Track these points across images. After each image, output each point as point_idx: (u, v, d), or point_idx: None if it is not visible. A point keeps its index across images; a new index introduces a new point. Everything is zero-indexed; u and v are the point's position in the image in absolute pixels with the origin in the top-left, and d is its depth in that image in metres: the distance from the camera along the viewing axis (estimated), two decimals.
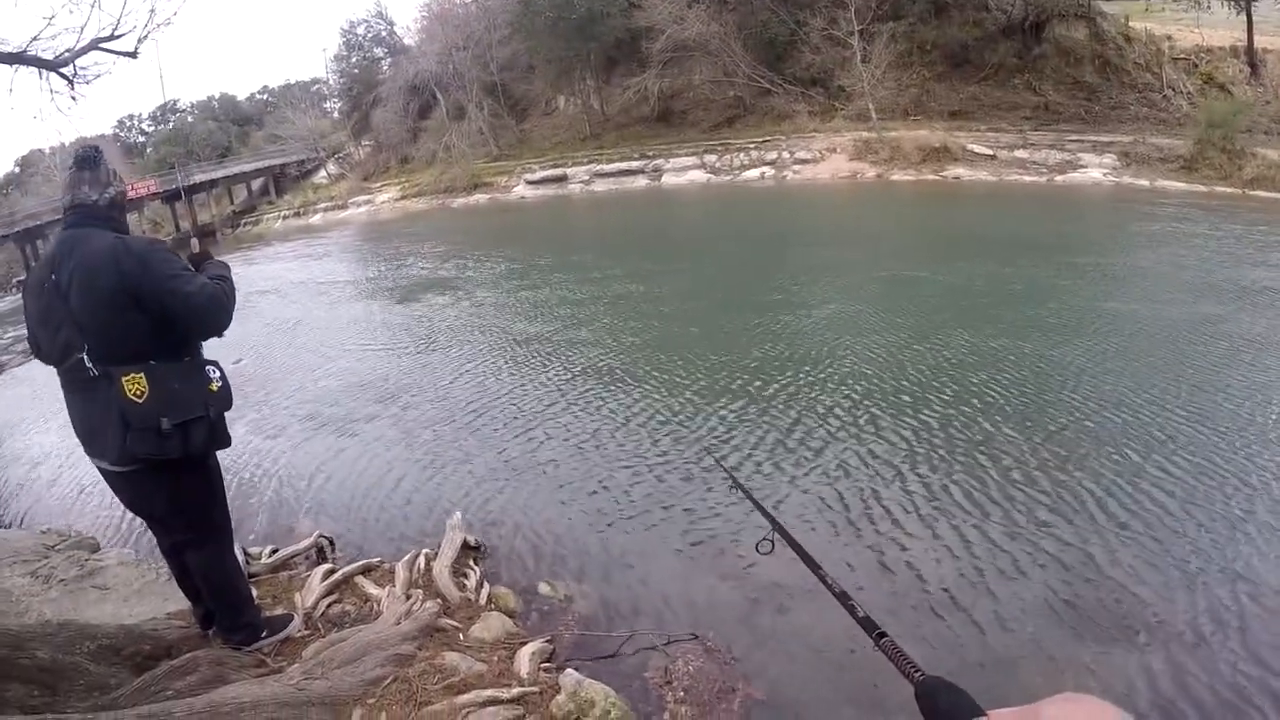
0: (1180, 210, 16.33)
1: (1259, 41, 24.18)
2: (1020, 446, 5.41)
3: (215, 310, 2.69)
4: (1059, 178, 21.58)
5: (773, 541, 1.21)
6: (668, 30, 29.26)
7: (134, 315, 2.60)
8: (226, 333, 2.91)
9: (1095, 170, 21.50)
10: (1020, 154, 23.04)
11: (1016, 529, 4.43)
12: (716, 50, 29.26)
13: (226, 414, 2.98)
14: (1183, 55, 25.36)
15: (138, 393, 2.61)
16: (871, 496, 4.89)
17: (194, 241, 2.97)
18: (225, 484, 3.13)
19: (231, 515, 3.21)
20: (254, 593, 3.59)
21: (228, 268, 3.02)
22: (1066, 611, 3.72)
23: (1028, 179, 21.80)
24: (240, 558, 3.73)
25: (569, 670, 3.09)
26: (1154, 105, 23.95)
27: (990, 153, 23.34)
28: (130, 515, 5.25)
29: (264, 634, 3.22)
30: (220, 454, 3.08)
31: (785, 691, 3.28)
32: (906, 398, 6.40)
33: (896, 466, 5.25)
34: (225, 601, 3.14)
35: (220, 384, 2.83)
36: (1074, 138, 23.06)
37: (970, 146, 23.68)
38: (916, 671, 0.68)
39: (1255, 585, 3.79)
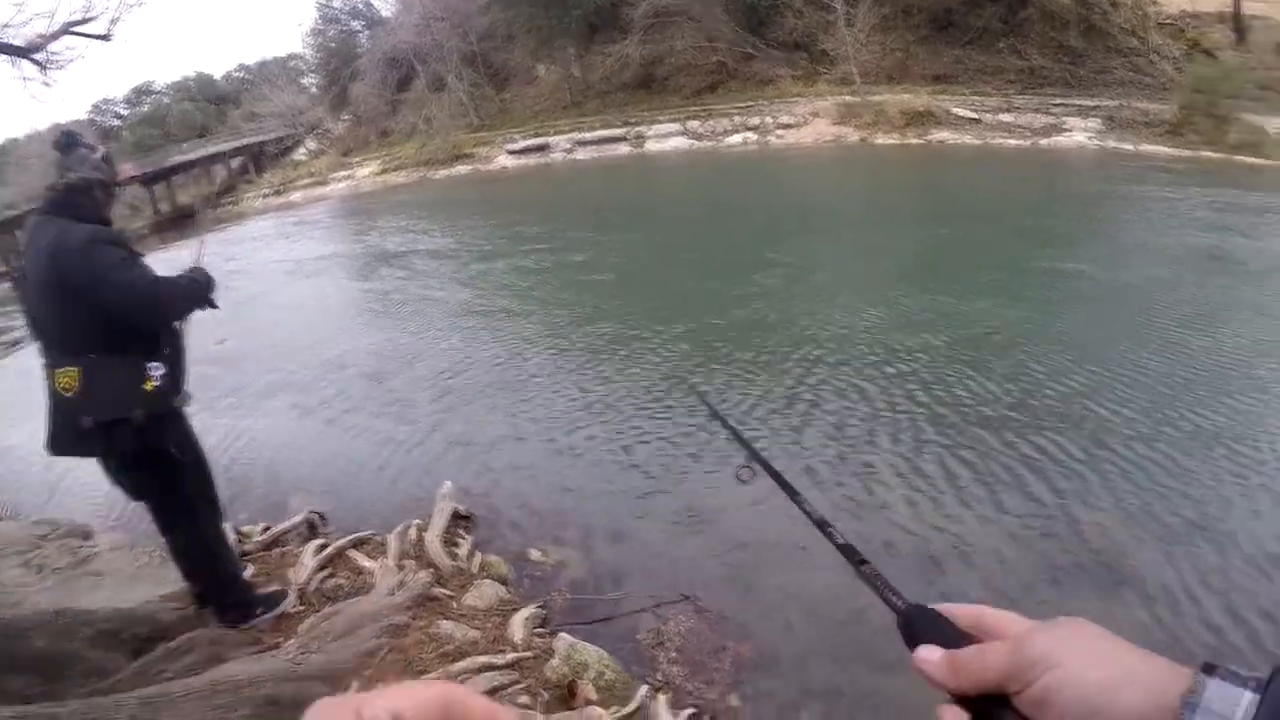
0: (1161, 175, 16.42)
1: (1245, 8, 24.02)
2: (1005, 401, 5.56)
3: (152, 298, 2.64)
4: (1043, 141, 21.56)
5: (752, 469, 1.15)
6: None
7: (71, 308, 2.58)
8: (209, 313, 2.97)
9: (1080, 134, 21.48)
10: (1005, 118, 22.97)
11: (1007, 480, 4.55)
12: (698, 15, 29.05)
13: (186, 406, 2.96)
14: (1169, 20, 25.29)
15: (66, 386, 2.59)
16: (858, 446, 5.05)
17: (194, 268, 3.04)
18: (208, 464, 3.13)
19: (220, 495, 3.24)
20: (249, 571, 3.66)
21: (208, 278, 3.00)
22: (1063, 561, 3.82)
23: (1012, 143, 21.76)
24: (232, 537, 3.78)
25: (562, 634, 3.17)
26: (1139, 70, 23.88)
27: (975, 116, 23.25)
28: (120, 501, 5.26)
29: (259, 611, 3.24)
30: (208, 434, 3.16)
31: (774, 647, 3.35)
32: (877, 359, 6.51)
33: (873, 427, 5.35)
34: (212, 581, 3.16)
35: (159, 384, 2.72)
36: (1059, 101, 22.98)
37: (954, 110, 23.59)
38: (899, 600, 0.63)
39: (1231, 541, 3.90)
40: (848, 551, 0.74)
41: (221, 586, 3.18)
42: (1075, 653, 0.49)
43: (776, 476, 1.00)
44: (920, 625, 0.59)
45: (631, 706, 2.84)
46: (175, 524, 3.02)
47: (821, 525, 0.82)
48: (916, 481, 4.61)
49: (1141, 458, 4.69)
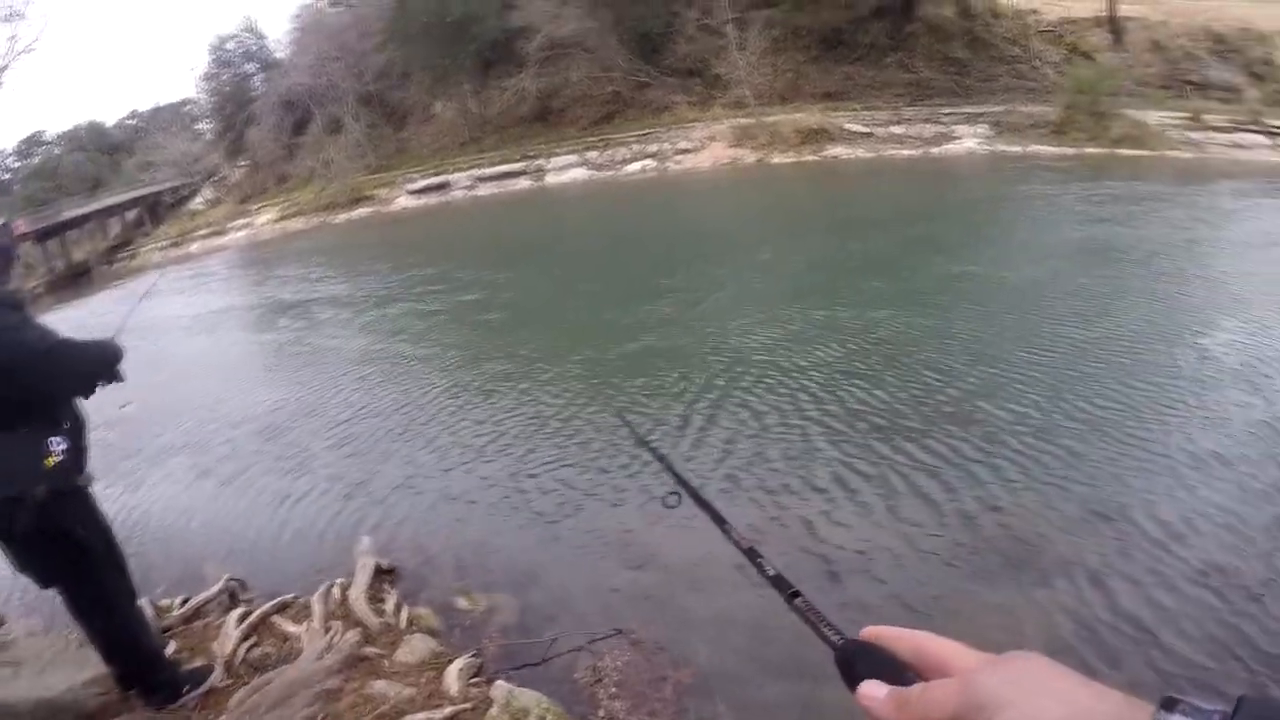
0: (1047, 173, 17.07)
1: (1121, 9, 25.07)
2: (904, 408, 5.68)
3: (48, 361, 2.54)
4: (934, 150, 22.13)
5: (680, 495, 1.17)
6: (544, 29, 28.97)
7: None
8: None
9: (969, 140, 22.07)
10: (896, 130, 23.45)
11: (913, 485, 4.64)
12: (593, 46, 29.07)
13: (90, 486, 2.81)
14: (1049, 27, 26.35)
15: None
16: (769, 464, 5.08)
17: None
18: (117, 541, 2.99)
19: (132, 570, 3.09)
20: (170, 647, 3.53)
21: (116, 348, 2.90)
22: (974, 558, 3.94)
23: (904, 153, 22.25)
24: (149, 612, 3.65)
25: (499, 682, 3.12)
26: (1023, 76, 24.87)
27: (867, 130, 23.68)
28: (28, 585, 5.10)
29: (185, 689, 3.13)
30: (114, 504, 3.10)
31: (714, 671, 3.35)
32: (776, 377, 6.57)
33: (791, 437, 5.46)
34: (133, 662, 3.03)
35: (61, 459, 2.58)
36: (947, 111, 23.60)
37: (847, 126, 24.00)
38: (835, 634, 0.62)
39: (1161, 518, 4.07)
40: (779, 583, 0.73)
41: (144, 667, 3.06)
42: (1027, 692, 0.47)
43: (704, 505, 0.99)
44: (860, 661, 0.58)
45: None
46: (89, 607, 2.89)
47: (751, 555, 0.81)
48: (827, 494, 4.67)
49: (1039, 451, 4.85)
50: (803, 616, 0.67)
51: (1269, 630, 3.24)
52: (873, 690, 0.54)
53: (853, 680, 0.56)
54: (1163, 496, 4.26)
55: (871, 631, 0.59)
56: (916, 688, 0.52)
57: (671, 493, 1.20)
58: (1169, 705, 0.41)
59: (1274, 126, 20.58)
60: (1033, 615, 3.47)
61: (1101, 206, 12.95)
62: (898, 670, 0.55)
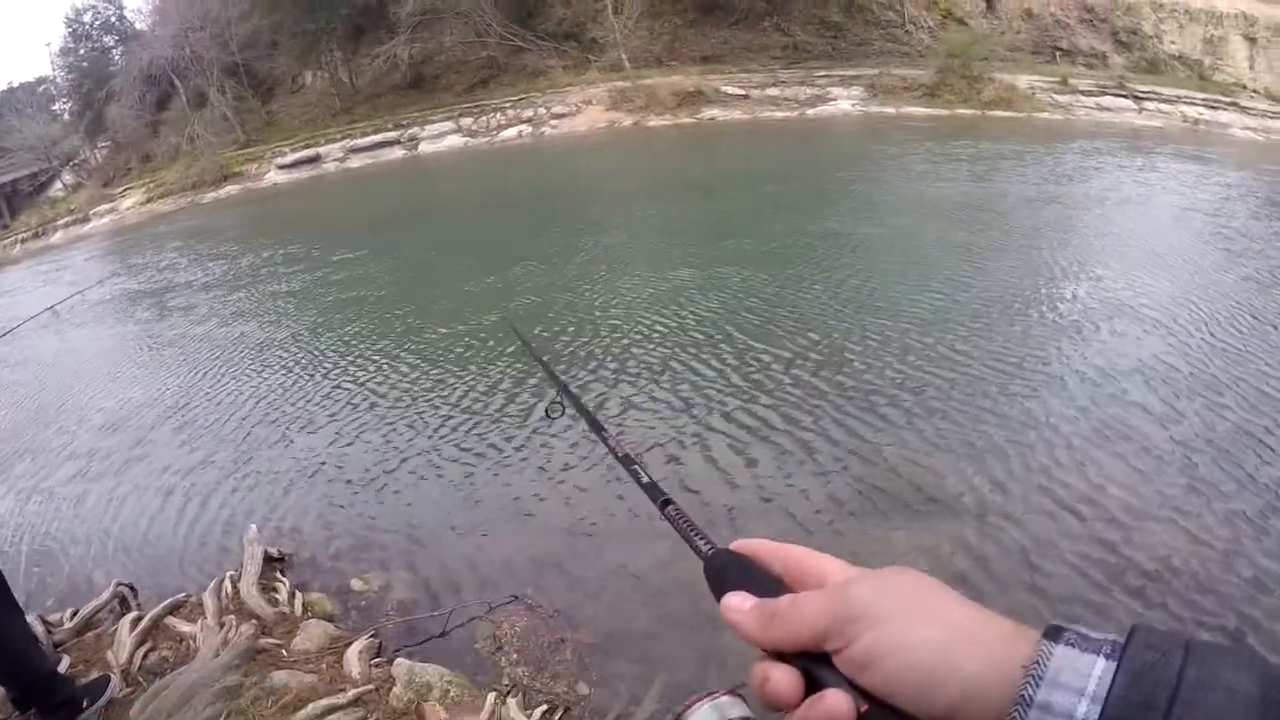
0: (918, 133, 17.53)
1: None
2: (787, 352, 5.90)
3: None
4: (810, 111, 22.46)
5: (562, 405, 1.20)
6: None
7: None
8: None
9: (844, 102, 22.50)
10: (772, 92, 23.71)
11: (804, 425, 4.84)
12: (466, 10, 28.59)
13: None
14: None
15: None
16: (642, 427, 5.17)
17: None
18: None
19: (17, 589, 2.99)
20: (64, 663, 3.39)
21: None
22: (862, 493, 4.11)
23: (780, 115, 22.50)
24: (39, 629, 3.55)
25: (399, 660, 3.15)
26: (897, 40, 25.64)
27: (743, 93, 23.88)
28: None
29: (85, 704, 3.01)
30: None
31: (612, 628, 3.42)
32: (679, 326, 6.82)
33: (684, 388, 5.62)
34: (30, 684, 2.93)
35: None
36: (822, 74, 24.00)
37: (723, 88, 24.17)
38: (706, 544, 0.59)
39: (1029, 452, 4.35)
40: (652, 491, 0.70)
41: (40, 687, 2.96)
42: (902, 608, 0.43)
43: (584, 411, 1.00)
44: (730, 572, 0.54)
45: (483, 716, 2.84)
46: None
47: (626, 462, 0.78)
48: (703, 448, 4.77)
49: (917, 390, 5.10)
50: (675, 525, 0.62)
51: (1123, 560, 3.46)
52: (738, 602, 0.49)
53: (722, 592, 0.51)
54: (1019, 442, 4.48)
55: (744, 544, 0.54)
56: (785, 599, 0.47)
57: (554, 402, 1.20)
58: (1054, 634, 0.37)
59: (1139, 91, 21.22)
60: (923, 545, 3.61)
61: (967, 165, 13.34)
62: (769, 583, 0.50)
